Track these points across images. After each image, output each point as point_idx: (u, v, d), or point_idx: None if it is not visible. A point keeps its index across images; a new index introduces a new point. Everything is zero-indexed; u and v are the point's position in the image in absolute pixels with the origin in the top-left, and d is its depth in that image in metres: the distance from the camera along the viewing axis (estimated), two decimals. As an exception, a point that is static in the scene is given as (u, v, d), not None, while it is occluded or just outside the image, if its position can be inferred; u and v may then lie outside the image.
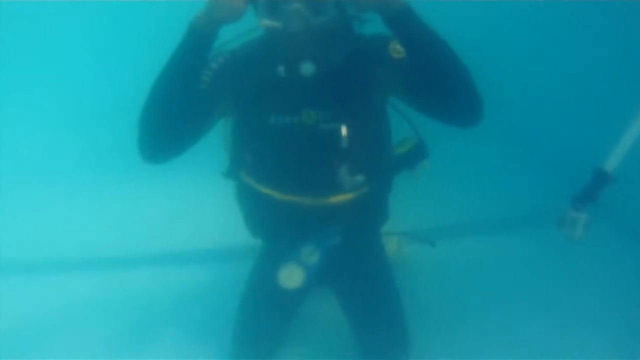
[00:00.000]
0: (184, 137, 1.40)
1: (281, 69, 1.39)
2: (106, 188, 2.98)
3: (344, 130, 1.41)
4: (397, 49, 1.41)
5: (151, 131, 1.36)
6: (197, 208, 2.74)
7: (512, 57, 3.27)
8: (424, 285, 2.12)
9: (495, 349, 1.86)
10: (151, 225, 2.64)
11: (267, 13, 1.29)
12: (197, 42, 1.30)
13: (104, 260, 2.42)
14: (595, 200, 1.62)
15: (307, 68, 1.36)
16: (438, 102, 1.35)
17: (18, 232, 2.60)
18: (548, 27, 3.00)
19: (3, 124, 3.55)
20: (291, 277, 1.52)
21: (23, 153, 3.38)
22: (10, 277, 2.30)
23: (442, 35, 1.30)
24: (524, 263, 2.31)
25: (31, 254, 2.46)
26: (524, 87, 3.25)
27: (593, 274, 2.22)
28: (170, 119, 1.34)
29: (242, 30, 1.52)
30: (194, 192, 2.87)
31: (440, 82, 1.30)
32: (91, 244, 2.53)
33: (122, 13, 4.12)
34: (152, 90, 1.34)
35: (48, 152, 3.40)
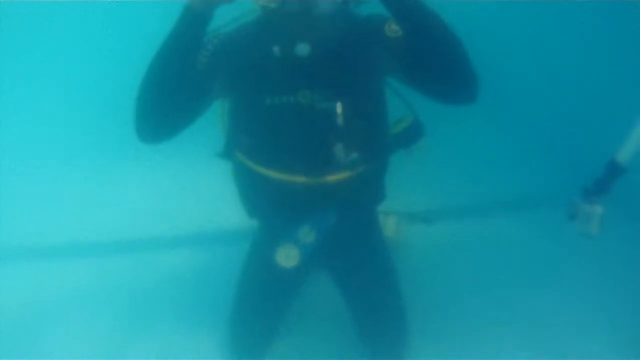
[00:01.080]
0: (180, 117, 1.41)
1: (276, 49, 1.40)
2: (100, 174, 2.98)
3: (339, 108, 1.42)
4: (393, 29, 1.42)
5: (147, 111, 1.36)
6: (193, 191, 2.73)
7: (518, 46, 3.28)
8: (422, 266, 2.12)
9: (492, 329, 1.87)
10: (148, 209, 2.64)
11: None
12: (193, 22, 1.30)
13: (99, 247, 2.42)
14: (608, 192, 1.56)
15: (302, 48, 1.37)
16: (434, 80, 1.36)
17: (13, 221, 2.60)
18: (560, 21, 3.00)
19: (2, 114, 3.57)
20: (288, 256, 1.53)
21: (20, 143, 3.39)
22: (6, 267, 2.31)
23: (438, 12, 1.31)
24: (523, 245, 2.31)
25: (25, 243, 2.46)
26: (527, 73, 3.27)
27: (594, 259, 2.21)
28: (166, 99, 1.34)
29: (238, 14, 1.54)
30: (189, 174, 2.85)
31: (436, 60, 1.31)
32: (87, 231, 2.53)
33: (122, 12, 4.15)
34: (148, 70, 1.34)
35: (44, 141, 3.41)
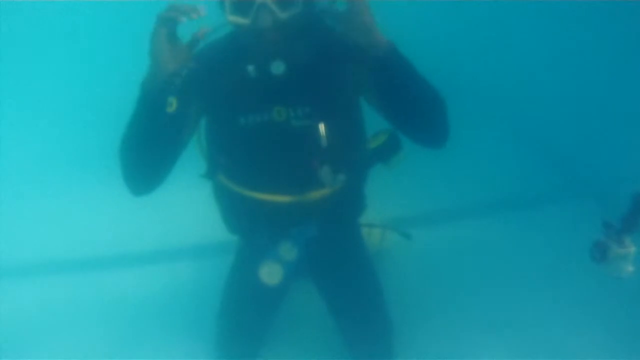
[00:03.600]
0: (166, 168, 1.43)
1: (251, 68, 1.38)
2: (93, 190, 3.00)
3: (321, 128, 1.40)
4: None
5: (133, 177, 1.40)
6: (177, 205, 2.74)
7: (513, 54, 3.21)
8: (408, 275, 2.12)
9: (479, 338, 1.87)
10: (135, 225, 2.66)
11: (235, 9, 1.27)
12: (153, 102, 1.29)
13: (90, 261, 2.47)
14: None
15: (277, 67, 1.34)
16: (405, 125, 1.38)
17: (13, 234, 2.65)
18: (559, 21, 2.89)
19: (1, 126, 3.61)
20: (271, 274, 1.54)
21: (20, 155, 3.43)
22: (6, 279, 2.37)
23: (422, 70, 1.30)
24: (508, 250, 2.30)
25: (25, 256, 2.52)
26: (501, 77, 3.20)
27: (576, 261, 2.17)
28: (149, 167, 1.38)
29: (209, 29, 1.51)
30: (174, 190, 2.85)
31: (410, 114, 1.32)
32: (79, 245, 2.57)
33: (121, 13, 4.11)
34: (123, 144, 1.36)
35: (43, 155, 3.44)
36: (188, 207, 2.66)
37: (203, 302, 1.96)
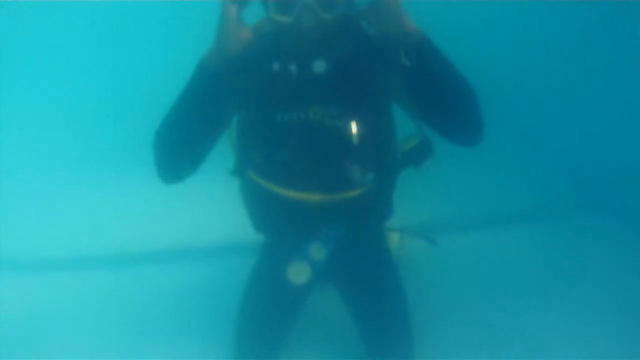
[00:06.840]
0: (202, 158, 1.45)
1: (293, 67, 1.40)
2: (107, 185, 2.98)
3: (353, 128, 1.42)
4: None
5: (171, 162, 1.42)
6: (198, 204, 2.74)
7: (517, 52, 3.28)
8: (427, 280, 2.13)
9: (499, 344, 1.88)
10: (153, 222, 2.65)
11: (278, 8, 1.29)
12: (210, 80, 1.32)
13: (105, 258, 2.43)
14: None
15: (319, 65, 1.36)
16: (439, 122, 1.39)
17: (17, 231, 2.60)
18: (560, 24, 2.97)
19: (2, 122, 3.56)
20: (299, 273, 1.53)
21: (22, 151, 3.38)
22: (9, 276, 2.32)
23: (455, 62, 1.32)
24: (528, 258, 2.33)
25: (30, 253, 2.47)
26: (531, 88, 3.27)
27: (597, 268, 2.24)
28: (189, 151, 1.40)
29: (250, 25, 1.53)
30: (195, 188, 2.85)
31: (445, 107, 1.33)
32: (92, 242, 2.53)
33: (123, 12, 4.12)
34: (166, 124, 1.37)
35: (47, 150, 3.40)
36: (211, 205, 2.65)
37: (220, 301, 1.95)
